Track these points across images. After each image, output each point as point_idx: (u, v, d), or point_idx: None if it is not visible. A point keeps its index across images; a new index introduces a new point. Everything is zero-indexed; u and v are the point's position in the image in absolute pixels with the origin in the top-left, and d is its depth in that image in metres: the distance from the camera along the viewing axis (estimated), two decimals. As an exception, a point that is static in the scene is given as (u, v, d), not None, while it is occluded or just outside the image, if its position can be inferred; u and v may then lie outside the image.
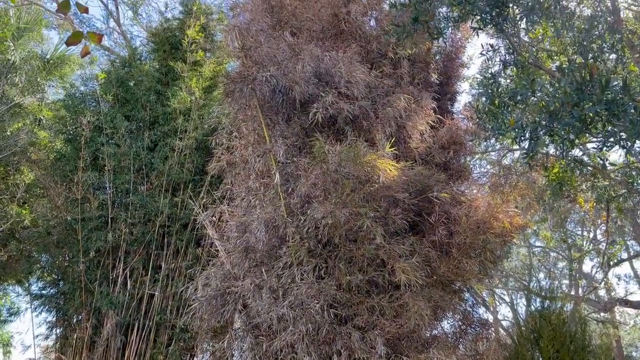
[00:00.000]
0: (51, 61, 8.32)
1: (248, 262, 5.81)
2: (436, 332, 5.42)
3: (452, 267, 4.98)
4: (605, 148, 3.86)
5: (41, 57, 8.13)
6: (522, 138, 3.56)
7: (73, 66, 8.79)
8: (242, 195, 6.24)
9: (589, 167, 8.85)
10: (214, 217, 6.60)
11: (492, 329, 5.81)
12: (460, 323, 5.52)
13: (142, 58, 8.67)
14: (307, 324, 4.99)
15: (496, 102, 3.84)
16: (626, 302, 15.49)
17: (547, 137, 3.60)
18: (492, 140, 10.99)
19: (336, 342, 5.19)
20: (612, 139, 3.77)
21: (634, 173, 8.03)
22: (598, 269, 18.46)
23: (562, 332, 5.75)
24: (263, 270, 5.56)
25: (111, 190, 6.96)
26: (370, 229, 4.72)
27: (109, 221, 6.80)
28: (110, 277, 6.61)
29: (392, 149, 5.06)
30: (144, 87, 7.74)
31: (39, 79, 7.59)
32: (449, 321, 5.53)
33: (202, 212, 6.66)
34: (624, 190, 8.95)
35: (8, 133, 7.09)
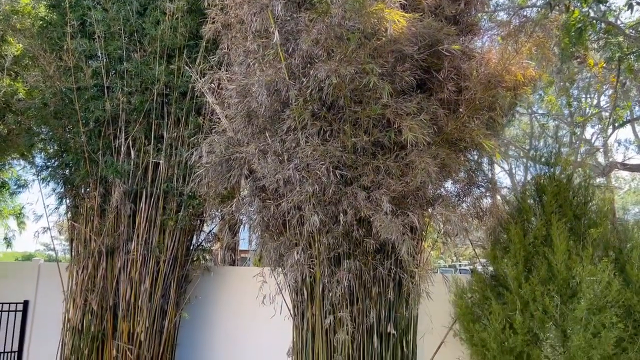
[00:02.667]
0: None
1: (251, 128, 5.71)
2: (441, 191, 5.47)
3: (459, 125, 4.87)
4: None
5: None
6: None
7: None
8: (240, 60, 5.95)
9: (602, 25, 8.41)
10: (212, 84, 6.39)
11: (496, 187, 5.87)
12: (464, 182, 5.56)
13: None
14: (314, 184, 5.02)
15: None
16: (625, 166, 15.74)
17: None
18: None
19: (342, 202, 5.27)
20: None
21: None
22: (599, 136, 18.54)
23: (566, 187, 5.81)
24: (267, 135, 5.48)
25: (104, 58, 6.65)
26: (376, 87, 4.53)
27: (105, 90, 6.60)
28: (113, 147, 6.57)
29: (399, -1, 4.70)
30: (126, -59, 7.05)
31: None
32: (453, 180, 5.56)
33: (200, 79, 6.43)
34: (637, 48, 8.59)
35: (-14, -2, 6.62)
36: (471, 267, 6.74)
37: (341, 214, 5.25)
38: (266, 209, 5.85)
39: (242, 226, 6.98)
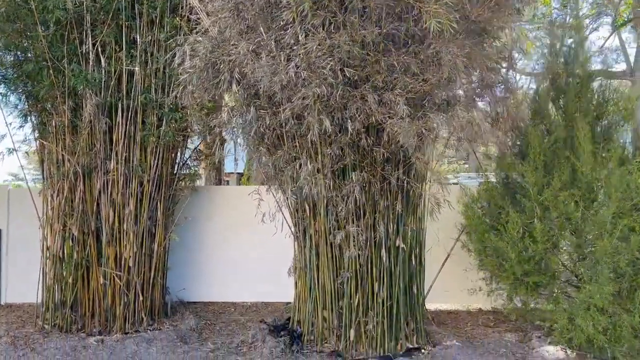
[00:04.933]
0: None
1: (239, 25, 4.96)
2: (458, 91, 4.91)
3: (485, 9, 4.24)
4: None
5: None
6: None
7: None
8: (222, -58, 5.08)
9: None
10: (190, -24, 5.52)
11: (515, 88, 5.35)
12: (483, 81, 5.01)
13: None
14: (321, 86, 4.39)
15: None
16: (607, 73, 15.40)
17: None
18: None
19: (349, 108, 4.70)
20: None
21: None
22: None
23: (587, 86, 5.33)
24: (261, 30, 4.75)
25: (58, -52, 5.62)
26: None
27: (65, -14, 5.66)
28: (80, 54, 5.72)
29: None
30: None
31: None
32: (473, 78, 5.00)
33: (175, -30, 5.54)
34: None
35: None
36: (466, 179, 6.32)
37: (348, 121, 4.69)
38: (261, 119, 5.24)
39: (233, 141, 6.34)
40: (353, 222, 5.23)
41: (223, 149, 8.24)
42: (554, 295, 5.34)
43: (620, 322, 4.63)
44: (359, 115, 4.60)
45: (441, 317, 6.90)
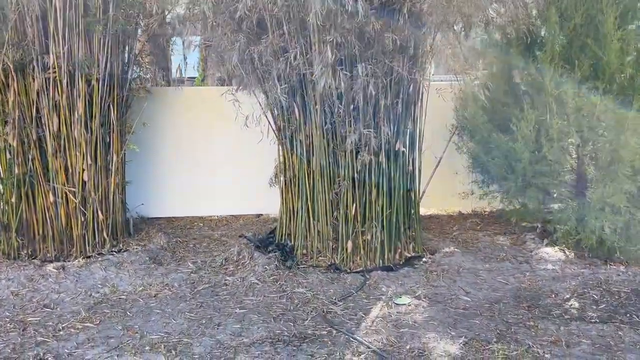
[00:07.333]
0: None
1: None
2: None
3: None
4: None
5: None
6: None
7: None
8: None
9: None
10: None
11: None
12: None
13: None
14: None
15: None
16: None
17: None
18: None
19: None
20: None
21: None
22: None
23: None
24: None
25: None
26: None
27: None
28: None
29: None
30: None
31: None
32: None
33: None
34: None
35: None
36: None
37: (358, -2, 3.89)
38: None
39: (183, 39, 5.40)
40: (350, 125, 4.61)
41: (170, 48, 7.18)
42: (555, 196, 5.11)
43: (636, 221, 4.45)
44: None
45: (424, 222, 6.60)
